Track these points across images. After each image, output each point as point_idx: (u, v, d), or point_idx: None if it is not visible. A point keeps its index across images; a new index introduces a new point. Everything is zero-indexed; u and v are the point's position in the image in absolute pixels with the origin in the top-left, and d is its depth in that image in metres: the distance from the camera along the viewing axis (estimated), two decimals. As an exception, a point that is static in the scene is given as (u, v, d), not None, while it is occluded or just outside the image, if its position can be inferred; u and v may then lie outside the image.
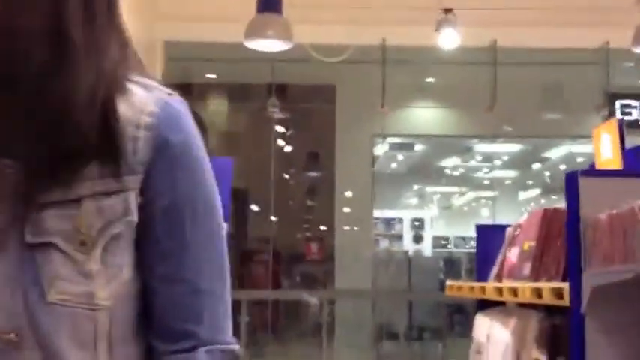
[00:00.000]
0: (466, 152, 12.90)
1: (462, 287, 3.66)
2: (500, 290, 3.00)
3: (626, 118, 9.09)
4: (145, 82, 0.99)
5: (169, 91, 1.00)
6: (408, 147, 12.26)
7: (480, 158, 13.23)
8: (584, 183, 2.29)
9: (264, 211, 10.49)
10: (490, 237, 3.88)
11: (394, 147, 12.09)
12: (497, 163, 13.46)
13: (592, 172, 2.34)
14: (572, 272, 2.25)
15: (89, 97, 0.90)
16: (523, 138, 11.33)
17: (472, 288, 3.47)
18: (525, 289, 2.66)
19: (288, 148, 10.92)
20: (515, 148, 12.50)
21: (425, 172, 13.96)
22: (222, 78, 10.31)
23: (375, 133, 10.49)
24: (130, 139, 0.93)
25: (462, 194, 15.85)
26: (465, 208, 15.94)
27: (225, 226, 1.04)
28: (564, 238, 2.49)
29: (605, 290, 2.12)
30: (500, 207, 14.01)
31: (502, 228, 3.65)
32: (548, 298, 2.44)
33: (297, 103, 10.34)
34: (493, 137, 11.08)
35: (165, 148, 0.95)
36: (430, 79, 10.11)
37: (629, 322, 2.19)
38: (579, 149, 11.06)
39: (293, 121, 10.48)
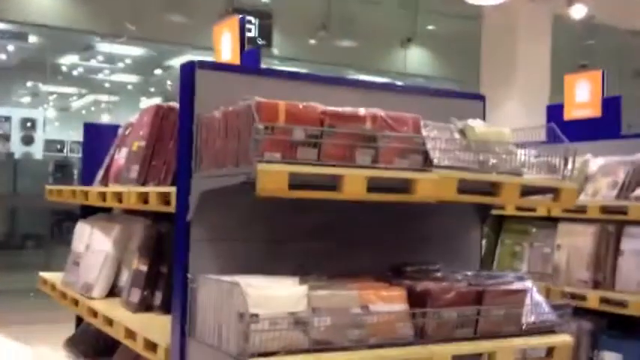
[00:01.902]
0: (87, 50, 12.16)
1: (63, 192, 3.25)
2: (104, 195, 2.67)
3: (247, 34, 9.33)
4: None
5: None
6: (22, 36, 11.03)
7: (101, 59, 12.60)
8: (201, 76, 2.06)
9: None
10: (101, 138, 3.60)
11: (4, 35, 10.78)
12: (120, 65, 12.98)
13: (210, 64, 2.11)
14: (181, 176, 2.02)
15: None
16: (147, 42, 10.99)
17: (74, 193, 3.09)
18: (131, 194, 2.38)
19: None
20: (138, 51, 12.14)
21: (40, 67, 12.90)
22: None
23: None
24: None
25: (81, 96, 15.11)
26: (84, 112, 15.26)
27: None
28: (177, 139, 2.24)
29: (214, 195, 1.92)
30: (121, 112, 13.65)
31: (115, 128, 3.35)
32: (154, 205, 2.20)
33: None
34: (116, 36, 10.52)
35: None
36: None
37: (235, 230, 2.04)
38: (204, 59, 11.13)
39: None
